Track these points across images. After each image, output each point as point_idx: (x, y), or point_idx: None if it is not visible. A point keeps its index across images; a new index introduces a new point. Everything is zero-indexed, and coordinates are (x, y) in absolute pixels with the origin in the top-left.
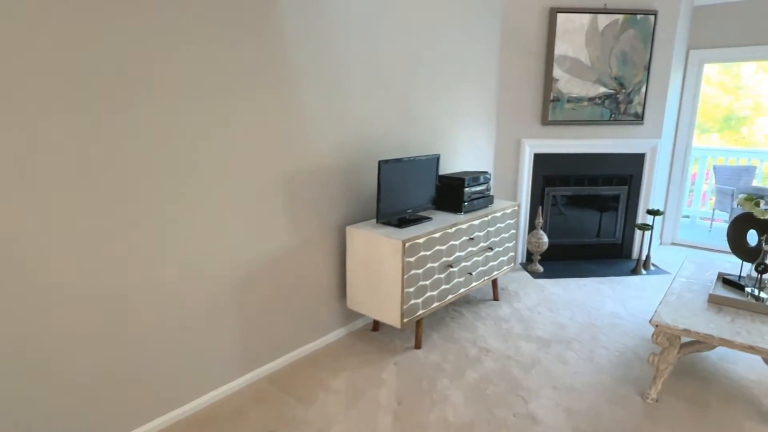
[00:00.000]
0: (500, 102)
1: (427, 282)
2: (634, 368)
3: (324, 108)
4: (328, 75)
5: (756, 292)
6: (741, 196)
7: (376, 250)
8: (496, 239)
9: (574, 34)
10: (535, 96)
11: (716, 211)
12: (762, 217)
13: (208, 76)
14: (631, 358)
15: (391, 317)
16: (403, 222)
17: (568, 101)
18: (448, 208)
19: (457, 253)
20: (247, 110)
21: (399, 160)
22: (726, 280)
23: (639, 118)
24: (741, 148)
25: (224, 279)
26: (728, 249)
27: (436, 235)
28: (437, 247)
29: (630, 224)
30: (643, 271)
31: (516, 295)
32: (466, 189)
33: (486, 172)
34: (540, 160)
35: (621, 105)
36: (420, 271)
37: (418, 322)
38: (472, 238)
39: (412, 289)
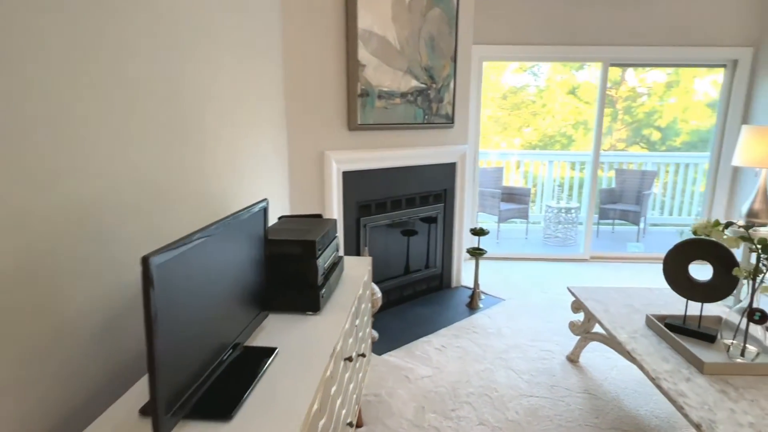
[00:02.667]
0: (290, 98)
1: None
2: None
3: None
4: None
5: (740, 349)
6: (698, 221)
7: None
8: (363, 333)
9: (379, 3)
10: (338, 89)
11: (480, 213)
12: (735, 247)
13: None
14: None
15: None
16: (214, 396)
17: (380, 97)
18: (292, 305)
19: (339, 401)
20: None
21: (203, 236)
22: (672, 326)
23: (450, 121)
24: (486, 149)
25: None
26: (516, 256)
27: (316, 405)
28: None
29: (448, 249)
30: (480, 305)
31: (380, 401)
32: (319, 260)
33: (319, 216)
34: (351, 180)
35: (433, 104)
36: None
37: None
38: (349, 359)
39: None
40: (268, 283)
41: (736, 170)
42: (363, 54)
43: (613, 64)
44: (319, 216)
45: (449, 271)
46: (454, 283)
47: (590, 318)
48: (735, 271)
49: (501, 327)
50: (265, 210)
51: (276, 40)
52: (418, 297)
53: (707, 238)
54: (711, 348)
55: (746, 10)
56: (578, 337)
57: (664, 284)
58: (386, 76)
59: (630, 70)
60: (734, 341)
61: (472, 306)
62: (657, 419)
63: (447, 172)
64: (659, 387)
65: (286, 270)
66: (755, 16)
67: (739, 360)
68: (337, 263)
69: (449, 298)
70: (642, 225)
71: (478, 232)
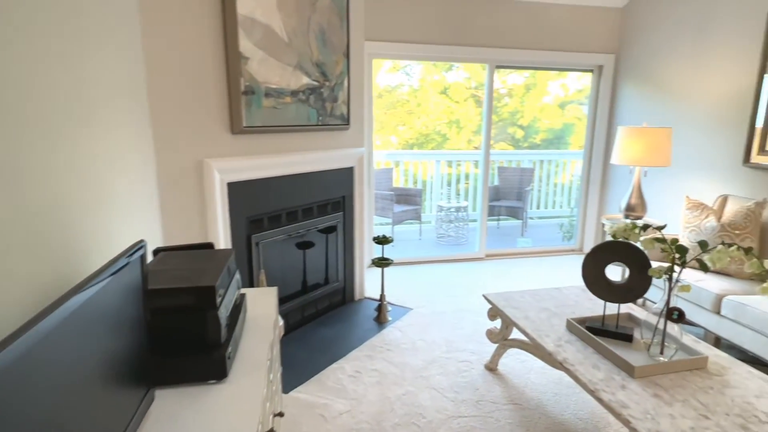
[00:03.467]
0: (156, 98)
1: None
2: None
3: None
4: None
5: (659, 348)
6: (615, 225)
7: None
8: (276, 386)
9: None
10: (216, 86)
11: (375, 217)
12: (651, 249)
13: None
14: None
15: None
16: None
17: (267, 95)
18: (187, 373)
19: None
20: None
21: (42, 326)
22: (593, 329)
23: (345, 122)
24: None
25: None
26: (414, 260)
27: None
28: None
29: (350, 260)
30: (389, 317)
31: None
32: (221, 309)
33: (209, 246)
34: (238, 192)
35: (327, 104)
36: None
37: None
38: (271, 431)
39: None
40: (153, 349)
41: (607, 166)
42: (246, 45)
43: (498, 66)
44: (209, 246)
45: (352, 284)
46: (357, 296)
47: (508, 325)
48: (650, 272)
49: (414, 340)
50: (142, 258)
51: (134, 26)
52: (320, 316)
53: (624, 240)
54: (631, 348)
55: (609, 21)
56: (495, 345)
57: (560, 280)
58: (274, 72)
59: (495, 74)
60: (652, 340)
61: (380, 320)
62: (582, 421)
63: (345, 177)
64: (599, 399)
65: (177, 328)
66: (616, 27)
67: (661, 359)
68: (240, 305)
69: (354, 313)
70: (524, 220)
71: (382, 241)
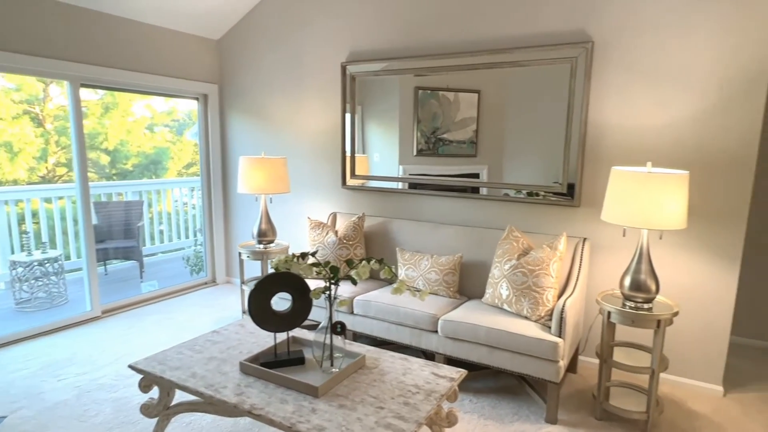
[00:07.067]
0: None
1: None
2: None
3: None
4: None
5: (330, 361)
6: (276, 259)
7: None
8: None
9: None
10: None
11: None
12: (310, 275)
13: None
14: None
15: None
16: None
17: None
18: None
19: None
20: None
21: None
22: (268, 364)
23: None
24: None
25: None
26: None
27: None
28: None
29: None
30: None
31: None
32: None
33: None
34: None
35: None
36: None
37: None
38: None
39: None
40: None
41: (228, 194)
42: None
43: (84, 85)
44: None
45: None
46: None
47: (169, 391)
48: (311, 294)
49: None
50: None
51: None
52: None
53: (286, 271)
54: (307, 369)
55: (209, 51)
56: (155, 420)
57: (204, 319)
58: None
59: (53, 85)
60: (323, 355)
61: None
62: None
63: None
64: None
65: None
66: (217, 59)
67: (334, 370)
68: None
69: None
70: (140, 260)
71: None
